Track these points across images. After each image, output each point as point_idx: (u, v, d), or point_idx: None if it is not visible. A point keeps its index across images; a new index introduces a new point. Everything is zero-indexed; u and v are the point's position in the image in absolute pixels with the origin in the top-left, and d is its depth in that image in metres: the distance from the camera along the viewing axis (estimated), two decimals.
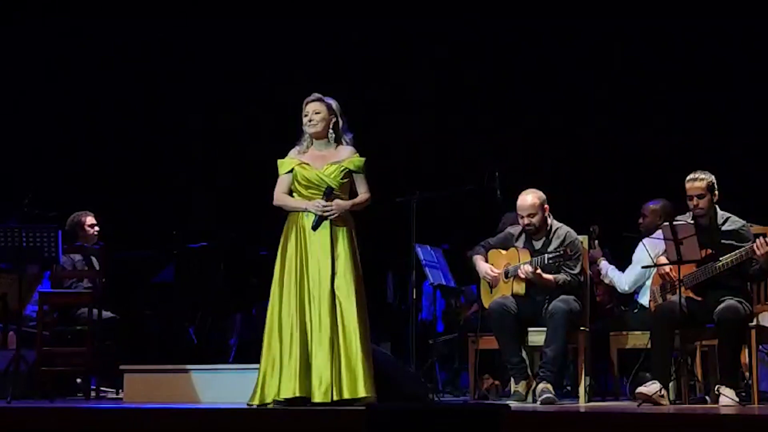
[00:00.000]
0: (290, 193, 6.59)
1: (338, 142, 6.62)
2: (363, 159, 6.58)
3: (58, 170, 10.85)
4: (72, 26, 10.94)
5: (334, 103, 6.62)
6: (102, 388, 8.06)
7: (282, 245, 6.53)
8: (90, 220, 8.59)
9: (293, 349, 6.34)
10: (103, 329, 8.04)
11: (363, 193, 6.59)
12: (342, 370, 6.32)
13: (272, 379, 6.36)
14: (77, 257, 8.43)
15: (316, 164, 6.55)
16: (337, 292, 6.40)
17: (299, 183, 6.56)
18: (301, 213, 6.52)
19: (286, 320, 6.40)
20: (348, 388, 6.30)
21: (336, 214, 6.47)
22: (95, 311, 7.86)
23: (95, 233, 8.57)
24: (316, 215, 6.46)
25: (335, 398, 6.28)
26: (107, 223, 8.79)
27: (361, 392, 6.29)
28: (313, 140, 6.60)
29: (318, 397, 6.28)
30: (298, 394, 6.28)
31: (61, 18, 10.96)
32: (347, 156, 6.57)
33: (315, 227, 6.46)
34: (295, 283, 6.43)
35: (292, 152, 6.64)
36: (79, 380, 8.17)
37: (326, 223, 6.46)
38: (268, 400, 6.35)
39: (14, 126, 10.90)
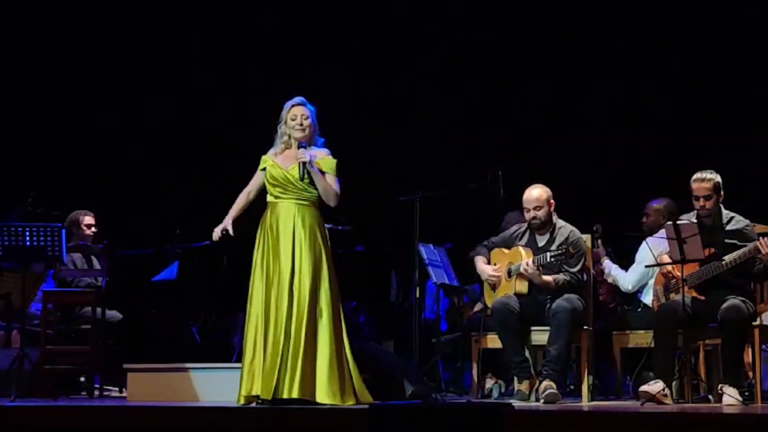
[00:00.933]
0: (264, 189, 6.68)
1: (313, 144, 6.68)
2: (335, 161, 6.62)
3: (61, 169, 10.85)
4: (72, 26, 10.94)
5: (314, 108, 6.70)
6: (105, 387, 8.06)
7: (255, 246, 6.63)
8: (88, 219, 8.57)
9: (257, 349, 6.42)
10: (107, 328, 8.06)
11: (334, 188, 6.58)
12: (287, 370, 6.34)
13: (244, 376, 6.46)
14: (77, 256, 8.43)
15: (285, 164, 6.61)
16: (294, 293, 6.43)
17: (269, 182, 6.64)
18: (268, 214, 6.60)
19: (253, 320, 6.48)
20: (287, 388, 6.31)
21: (307, 158, 6.51)
22: (98, 310, 7.87)
23: (92, 233, 8.56)
24: (299, 165, 6.54)
25: (278, 396, 6.31)
26: (110, 222, 8.78)
27: (295, 393, 6.29)
28: (293, 142, 6.65)
29: (264, 395, 6.36)
30: (253, 393, 6.38)
31: (61, 18, 10.96)
32: (320, 157, 6.61)
33: (301, 177, 6.53)
34: (262, 284, 6.51)
35: (270, 152, 6.73)
36: (82, 379, 8.16)
37: (288, 225, 6.49)
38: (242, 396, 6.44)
39: (16, 125, 10.90)
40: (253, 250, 6.61)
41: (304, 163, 6.54)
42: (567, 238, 7.29)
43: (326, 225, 6.77)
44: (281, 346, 6.37)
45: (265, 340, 6.42)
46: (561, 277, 7.24)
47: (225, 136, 10.80)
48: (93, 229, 8.59)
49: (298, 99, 6.68)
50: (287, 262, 6.48)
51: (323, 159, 6.62)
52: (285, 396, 6.31)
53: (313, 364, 6.38)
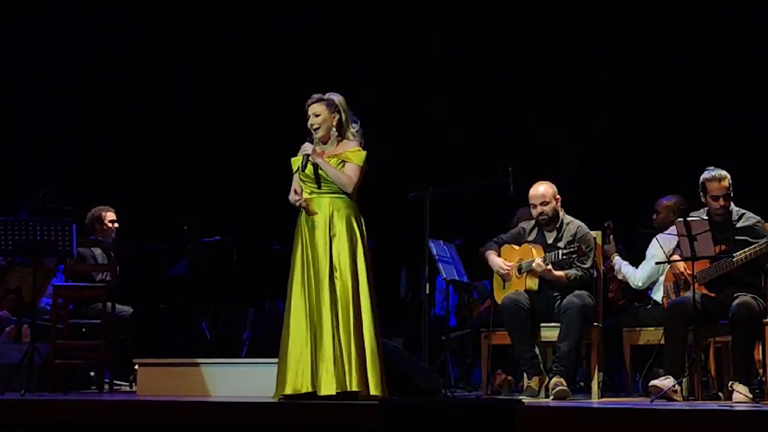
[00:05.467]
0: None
1: (343, 136, 6.61)
2: (363, 153, 6.53)
3: (71, 165, 10.88)
4: (77, 21, 11.01)
5: (336, 98, 6.58)
6: (115, 382, 8.08)
7: (294, 242, 6.59)
8: (110, 215, 8.64)
9: (301, 346, 6.38)
10: (117, 323, 8.08)
11: (348, 174, 6.50)
12: (342, 364, 6.32)
13: (281, 373, 6.42)
14: (98, 251, 8.48)
15: (315, 159, 6.55)
16: (336, 286, 6.41)
17: (302, 180, 6.60)
18: (303, 211, 6.55)
19: (295, 316, 6.45)
20: (347, 382, 6.31)
21: (308, 150, 6.50)
22: (109, 304, 7.89)
23: (114, 228, 8.61)
24: (303, 158, 6.53)
25: (320, 392, 6.30)
26: (121, 217, 8.81)
27: (354, 386, 6.27)
28: (320, 141, 6.63)
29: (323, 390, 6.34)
30: (302, 390, 6.34)
31: (68, 12, 11.04)
32: (348, 149, 6.56)
33: (302, 168, 6.53)
34: (301, 279, 6.48)
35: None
36: (92, 373, 8.18)
37: (325, 219, 6.46)
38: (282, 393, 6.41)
39: (30, 120, 10.94)
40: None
41: (307, 155, 6.51)
42: (575, 234, 7.28)
43: None
44: (332, 342, 6.32)
45: (315, 337, 6.37)
46: (572, 272, 7.23)
47: (236, 133, 10.82)
48: (115, 224, 8.65)
49: (312, 97, 6.60)
50: (326, 256, 6.44)
51: (351, 151, 6.54)
52: (347, 389, 6.28)
53: (363, 356, 6.35)
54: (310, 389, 6.32)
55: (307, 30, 10.92)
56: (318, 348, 6.34)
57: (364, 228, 6.56)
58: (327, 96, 6.58)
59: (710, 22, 9.91)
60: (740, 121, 9.77)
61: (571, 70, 10.35)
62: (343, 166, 6.52)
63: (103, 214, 8.62)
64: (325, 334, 6.34)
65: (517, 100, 10.39)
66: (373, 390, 6.33)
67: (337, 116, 6.57)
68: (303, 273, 6.48)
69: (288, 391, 6.35)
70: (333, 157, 6.55)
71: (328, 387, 6.29)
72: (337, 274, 6.42)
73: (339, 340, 6.33)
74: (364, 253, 6.50)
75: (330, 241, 6.46)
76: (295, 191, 6.60)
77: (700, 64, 9.95)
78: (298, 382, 6.35)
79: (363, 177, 6.56)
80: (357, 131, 6.60)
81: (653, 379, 6.86)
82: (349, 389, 6.28)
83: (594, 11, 10.19)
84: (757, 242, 6.68)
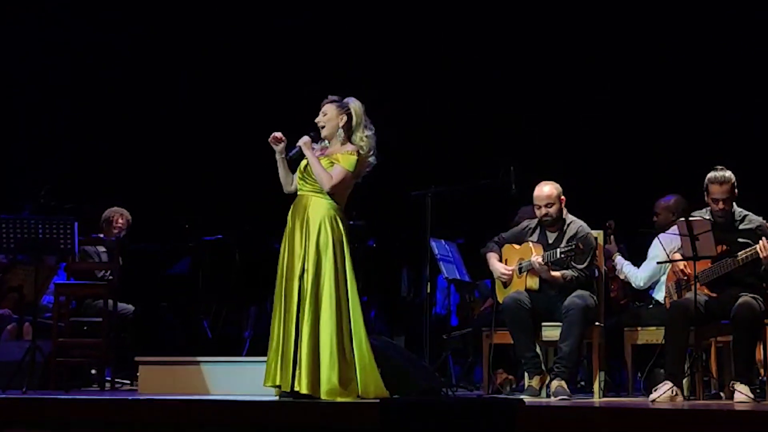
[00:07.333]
0: None
1: (349, 140, 6.59)
2: (354, 158, 6.50)
3: (73, 164, 10.88)
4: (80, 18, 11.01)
5: (352, 103, 6.58)
6: (117, 380, 8.08)
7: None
8: (121, 220, 8.67)
9: (273, 341, 6.46)
10: (119, 321, 8.08)
11: (330, 173, 6.49)
12: (297, 364, 6.36)
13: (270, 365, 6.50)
14: (101, 249, 8.50)
15: (306, 152, 6.58)
16: (302, 285, 6.42)
17: (299, 177, 6.64)
18: (291, 206, 6.58)
19: (275, 312, 6.52)
20: (297, 382, 6.34)
21: (301, 142, 6.53)
22: (110, 303, 7.89)
23: (118, 231, 8.62)
24: (297, 148, 6.59)
25: (294, 389, 6.34)
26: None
27: (304, 388, 6.30)
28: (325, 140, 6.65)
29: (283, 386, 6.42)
30: (277, 383, 6.43)
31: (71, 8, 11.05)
32: (341, 152, 6.55)
33: (287, 155, 6.58)
34: (280, 277, 6.53)
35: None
36: (93, 371, 8.19)
37: (301, 216, 6.49)
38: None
39: (30, 120, 10.93)
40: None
41: (300, 146, 6.53)
42: (576, 234, 7.27)
43: None
44: (292, 339, 6.38)
45: (282, 334, 6.44)
46: (569, 272, 7.22)
47: (236, 132, 10.82)
48: (123, 228, 8.65)
49: (328, 97, 6.62)
50: (299, 255, 6.47)
51: (342, 154, 6.53)
52: (297, 390, 6.33)
53: (316, 358, 6.36)
54: (275, 384, 6.42)
55: (307, 30, 10.92)
56: (283, 345, 6.41)
57: (341, 230, 6.51)
58: (345, 100, 6.60)
59: (710, 22, 9.91)
60: (740, 121, 9.76)
61: (571, 70, 10.35)
62: (332, 166, 6.53)
63: (114, 216, 8.65)
64: (289, 332, 6.39)
65: (518, 99, 10.39)
66: (324, 394, 6.31)
67: (345, 118, 6.56)
68: (282, 271, 6.52)
69: (267, 383, 6.47)
70: (326, 157, 6.56)
71: (285, 385, 6.37)
72: (303, 274, 6.43)
73: (300, 339, 6.37)
74: (335, 255, 6.45)
75: (302, 238, 6.48)
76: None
77: (701, 64, 9.96)
78: (272, 375, 6.45)
79: (350, 181, 6.54)
80: (366, 137, 6.57)
81: (654, 378, 6.86)
82: (298, 390, 6.31)
83: (594, 11, 10.19)
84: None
